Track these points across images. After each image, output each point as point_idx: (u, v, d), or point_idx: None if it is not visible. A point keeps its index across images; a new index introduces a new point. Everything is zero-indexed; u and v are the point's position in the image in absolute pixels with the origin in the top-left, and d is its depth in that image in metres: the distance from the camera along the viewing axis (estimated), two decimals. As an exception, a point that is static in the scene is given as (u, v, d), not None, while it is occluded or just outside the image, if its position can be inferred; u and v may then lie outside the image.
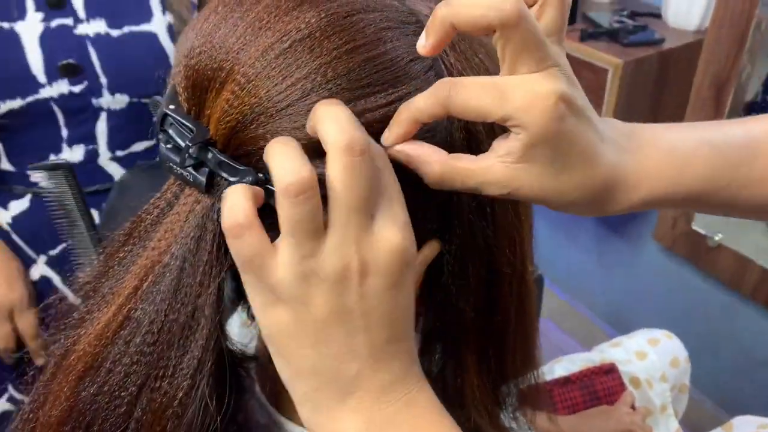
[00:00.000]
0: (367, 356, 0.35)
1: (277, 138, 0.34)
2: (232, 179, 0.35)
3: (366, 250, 0.33)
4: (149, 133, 0.95)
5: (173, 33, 0.93)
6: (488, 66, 0.41)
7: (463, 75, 0.39)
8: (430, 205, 0.40)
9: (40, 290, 0.94)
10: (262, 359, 0.48)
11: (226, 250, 0.36)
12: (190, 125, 0.36)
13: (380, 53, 0.36)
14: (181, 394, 0.37)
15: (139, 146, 0.96)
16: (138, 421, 0.38)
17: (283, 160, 0.32)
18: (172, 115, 0.37)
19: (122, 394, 0.38)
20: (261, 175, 0.35)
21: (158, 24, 0.91)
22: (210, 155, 0.35)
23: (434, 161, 0.36)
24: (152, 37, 0.90)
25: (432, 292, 0.41)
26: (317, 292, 0.33)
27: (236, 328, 0.59)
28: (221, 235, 0.36)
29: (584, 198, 0.38)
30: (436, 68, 0.39)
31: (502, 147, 0.36)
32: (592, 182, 0.37)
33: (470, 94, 0.34)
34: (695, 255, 1.44)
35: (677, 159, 0.40)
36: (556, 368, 1.12)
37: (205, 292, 0.36)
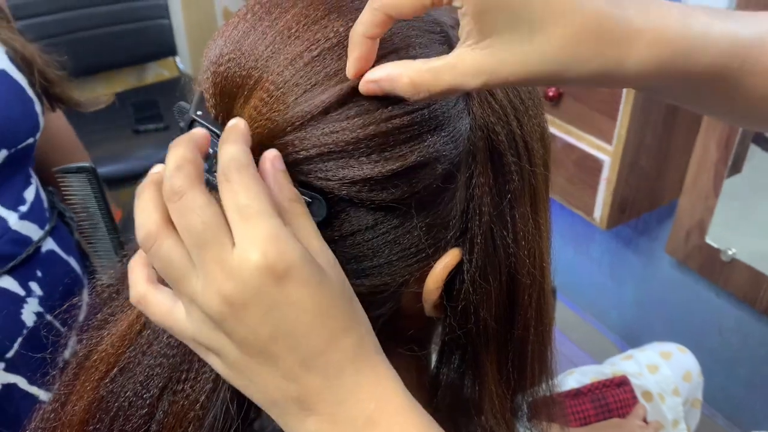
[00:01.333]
0: (302, 378, 0.34)
1: (138, 189, 0.36)
2: None
3: (232, 275, 0.32)
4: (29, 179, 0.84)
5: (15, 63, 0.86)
6: None
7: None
8: (450, 214, 0.40)
9: (6, 397, 0.85)
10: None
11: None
12: (217, 131, 0.36)
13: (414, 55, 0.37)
14: (203, 398, 0.38)
15: (29, 194, 0.85)
16: (160, 423, 0.38)
17: (137, 217, 0.34)
18: (200, 121, 0.37)
19: (144, 395, 0.38)
20: None
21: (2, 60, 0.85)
22: None
23: (402, 73, 0.35)
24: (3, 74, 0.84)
25: (453, 300, 0.42)
26: (219, 333, 0.34)
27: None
28: None
29: (576, 59, 0.34)
30: None
31: (461, 35, 0.34)
32: (578, 35, 0.33)
33: None
34: (709, 269, 1.44)
35: (690, 28, 0.36)
36: (568, 380, 1.12)
37: None
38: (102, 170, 1.81)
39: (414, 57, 0.37)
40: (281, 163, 0.35)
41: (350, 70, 0.35)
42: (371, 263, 0.38)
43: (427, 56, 0.37)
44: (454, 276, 0.41)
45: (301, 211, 0.35)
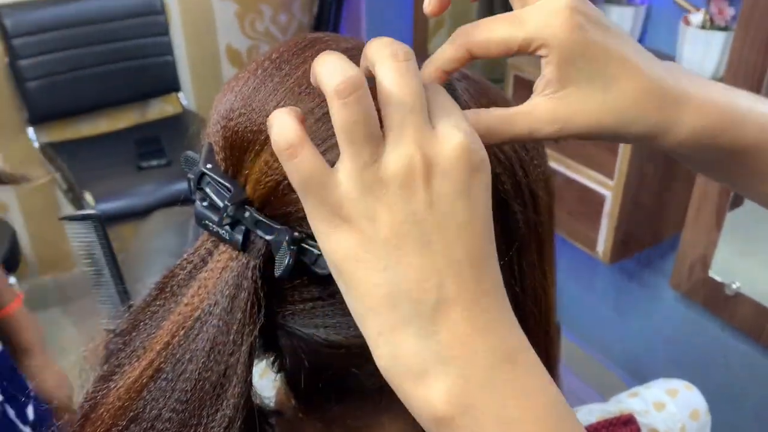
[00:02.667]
0: (450, 282, 0.30)
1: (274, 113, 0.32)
2: (268, 237, 0.36)
3: (428, 147, 0.30)
4: None
5: None
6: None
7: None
8: None
9: None
10: (286, 414, 0.48)
11: (260, 308, 0.36)
12: (227, 184, 0.37)
13: None
14: None
15: None
16: None
17: (329, 66, 0.30)
18: (210, 174, 0.37)
19: None
20: (297, 234, 0.35)
21: None
22: (247, 214, 0.36)
23: (478, 123, 0.35)
24: None
25: None
26: (382, 202, 0.30)
27: (256, 376, 0.58)
28: (256, 293, 0.36)
29: (643, 114, 0.36)
30: None
31: (540, 84, 0.35)
32: (646, 92, 0.36)
33: (489, 28, 0.35)
34: (713, 303, 1.43)
35: (734, 101, 0.39)
36: (574, 419, 1.10)
37: (238, 351, 0.36)
38: (104, 207, 1.82)
39: None
40: None
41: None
42: None
43: None
44: None
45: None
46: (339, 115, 0.30)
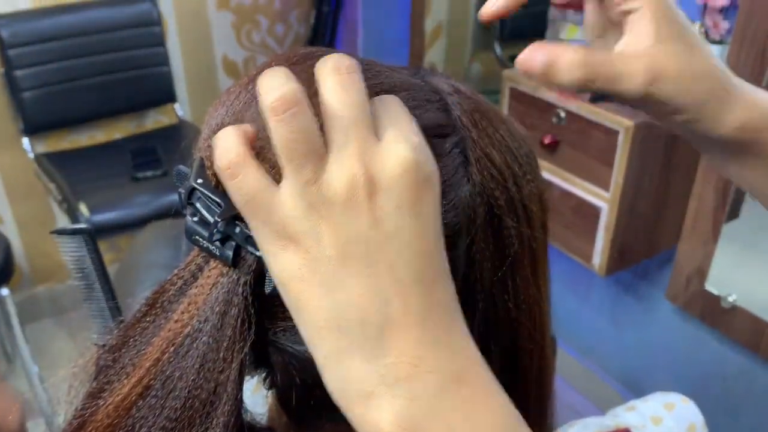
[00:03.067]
0: (396, 303, 0.29)
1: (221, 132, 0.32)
2: (258, 253, 0.35)
3: (371, 162, 0.29)
4: None
5: None
6: (509, 142, 0.42)
7: (487, 151, 0.40)
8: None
9: None
10: (278, 431, 0.47)
11: (251, 324, 0.36)
12: (217, 200, 0.36)
13: None
14: None
15: None
16: None
17: (267, 82, 0.30)
18: (200, 189, 0.37)
19: None
20: None
21: None
22: (237, 230, 0.35)
23: (570, 55, 0.35)
24: None
25: None
26: (327, 221, 0.29)
27: (248, 392, 0.58)
28: (246, 309, 0.36)
29: (712, 90, 0.37)
30: (460, 146, 0.39)
31: (633, 35, 0.37)
32: (710, 70, 0.37)
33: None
34: (709, 316, 1.43)
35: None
36: (571, 433, 1.10)
37: (228, 368, 0.36)
38: (100, 217, 1.82)
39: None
40: None
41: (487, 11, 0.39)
42: None
43: (427, 123, 0.37)
44: None
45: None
46: (275, 132, 0.29)
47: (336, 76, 0.30)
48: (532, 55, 0.36)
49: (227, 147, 0.31)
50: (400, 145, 0.30)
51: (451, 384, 0.30)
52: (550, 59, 0.35)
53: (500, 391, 0.31)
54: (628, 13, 0.37)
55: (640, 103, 0.39)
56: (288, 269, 0.30)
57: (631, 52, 0.36)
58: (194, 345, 0.37)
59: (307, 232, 0.30)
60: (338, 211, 0.29)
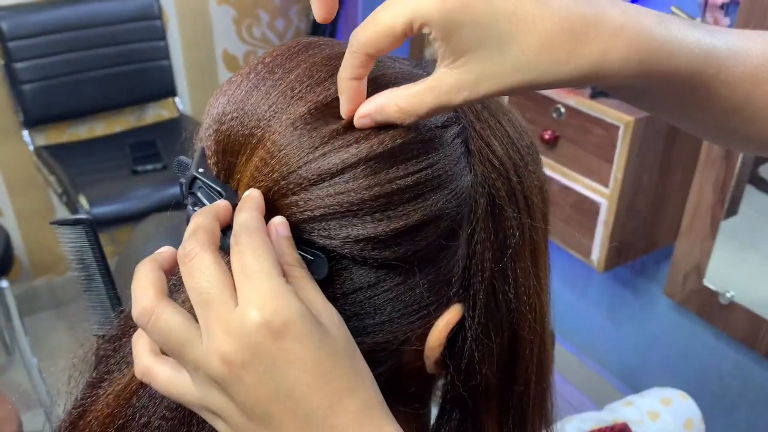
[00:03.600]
0: None
1: (136, 268, 0.36)
2: None
3: (233, 334, 0.32)
4: None
5: None
6: (511, 133, 0.42)
7: (489, 142, 0.40)
8: (452, 270, 0.40)
9: None
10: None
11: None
12: (219, 189, 0.36)
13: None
14: None
15: None
16: None
17: (134, 291, 0.35)
18: (201, 178, 0.37)
19: None
20: None
21: None
22: None
23: (388, 102, 0.36)
24: None
25: (455, 357, 0.41)
26: (224, 394, 0.33)
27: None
28: None
29: (555, 60, 0.34)
30: (462, 136, 0.39)
31: (438, 57, 0.35)
32: (550, 38, 0.33)
33: (372, 23, 0.34)
34: (707, 312, 1.43)
35: (668, 30, 0.36)
36: (568, 427, 1.10)
37: None
38: (100, 210, 1.81)
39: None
40: (286, 230, 0.35)
41: (343, 112, 0.36)
42: (373, 321, 0.38)
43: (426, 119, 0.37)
44: (456, 333, 0.41)
45: (303, 274, 0.35)
46: (151, 336, 0.34)
47: (182, 265, 0.34)
48: (363, 110, 0.36)
49: (138, 354, 0.36)
50: (246, 312, 0.32)
51: None
52: (375, 120, 0.36)
53: None
54: None
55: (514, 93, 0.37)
56: (214, 404, 0.34)
57: (437, 77, 0.35)
58: None
59: (216, 407, 0.34)
60: (227, 385, 0.32)
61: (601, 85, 0.37)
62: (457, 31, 0.33)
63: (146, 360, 0.35)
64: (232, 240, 0.34)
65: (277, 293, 0.32)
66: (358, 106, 0.36)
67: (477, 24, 0.33)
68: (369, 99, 0.36)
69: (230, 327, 0.32)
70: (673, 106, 0.42)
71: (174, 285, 0.39)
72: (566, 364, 1.95)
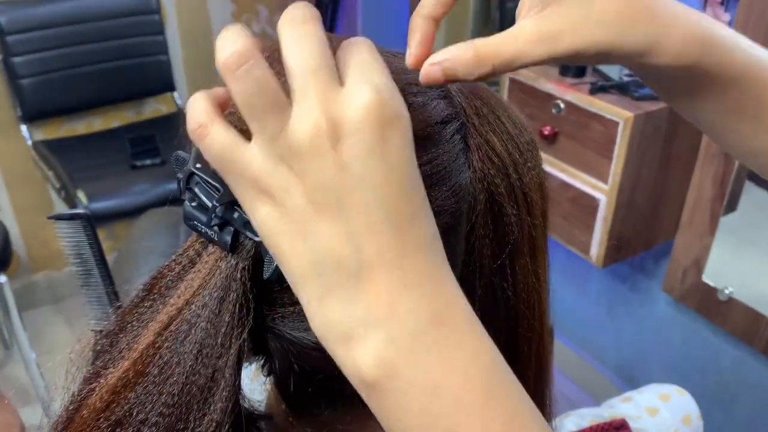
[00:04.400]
0: (369, 245, 0.29)
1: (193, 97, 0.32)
2: (257, 239, 0.35)
3: (333, 108, 0.29)
4: None
5: None
6: (510, 129, 0.42)
7: (488, 138, 0.40)
8: (451, 267, 0.40)
9: None
10: (276, 418, 0.47)
11: (249, 310, 0.36)
12: (216, 184, 0.36)
13: (411, 117, 0.36)
14: None
15: None
16: None
17: (220, 43, 0.29)
18: (199, 173, 0.37)
19: None
20: None
21: None
22: (236, 215, 0.35)
23: (465, 50, 0.34)
24: None
25: None
26: (295, 171, 0.29)
27: (246, 379, 0.58)
28: (245, 295, 0.35)
29: (631, 24, 0.35)
30: (462, 132, 0.39)
31: (522, 9, 0.35)
32: (630, 3, 0.35)
33: None
34: (706, 308, 1.43)
35: (722, 29, 0.39)
36: (566, 423, 1.10)
37: (226, 354, 0.36)
38: (98, 205, 1.81)
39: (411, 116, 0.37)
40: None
41: (411, 56, 0.35)
42: None
43: (425, 113, 0.37)
44: None
45: None
46: (233, 89, 0.29)
47: (291, 29, 0.30)
48: (436, 57, 0.35)
49: (195, 109, 0.31)
50: (362, 87, 0.29)
51: (428, 325, 0.30)
52: (445, 68, 0.35)
53: (480, 331, 0.32)
54: None
55: (561, 63, 0.38)
56: (267, 222, 0.31)
57: (520, 26, 0.35)
58: (192, 331, 0.37)
59: (278, 185, 0.30)
60: (305, 160, 0.29)
61: (656, 67, 0.37)
62: None
63: (205, 114, 0.31)
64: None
65: (392, 87, 0.30)
66: (428, 52, 0.35)
67: None
68: (441, 50, 0.35)
69: (338, 98, 0.29)
70: (717, 110, 0.42)
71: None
72: (565, 359, 1.95)
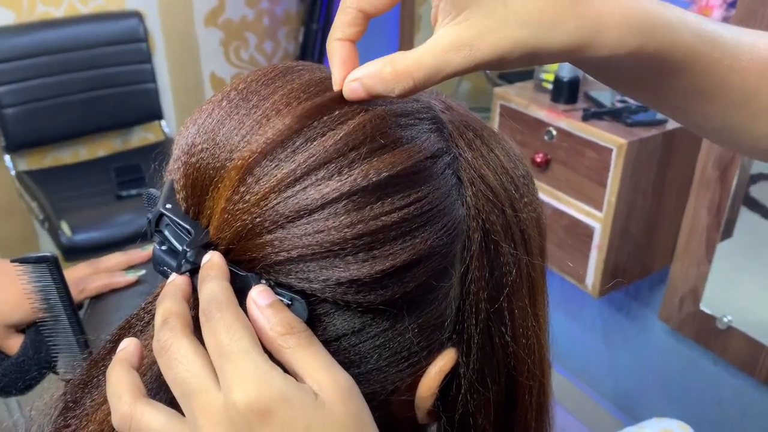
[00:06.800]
0: None
1: (107, 373, 0.33)
2: (232, 286, 0.32)
3: (214, 419, 0.30)
4: None
5: None
6: (505, 163, 0.39)
7: (482, 172, 0.37)
8: (444, 313, 0.37)
9: None
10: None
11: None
12: (187, 227, 0.33)
13: (399, 152, 0.34)
14: None
15: None
16: None
17: (110, 401, 0.32)
18: (169, 215, 0.34)
19: None
20: (264, 281, 0.32)
21: None
22: None
23: (383, 66, 0.33)
24: None
25: (448, 408, 0.38)
26: None
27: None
28: None
29: (557, 19, 0.32)
30: (453, 166, 0.36)
31: (439, 17, 0.33)
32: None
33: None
34: (704, 337, 1.40)
35: (667, 9, 0.36)
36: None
37: None
38: (83, 236, 1.77)
39: (399, 153, 0.34)
40: (268, 296, 0.32)
41: (334, 81, 0.34)
42: (358, 370, 0.35)
43: (414, 149, 0.34)
44: (449, 380, 0.37)
45: (299, 341, 0.32)
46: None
47: (160, 360, 0.32)
48: (354, 74, 0.34)
49: (115, 395, 0.32)
50: (233, 393, 0.30)
51: None
52: (364, 84, 0.33)
53: None
54: None
55: (488, 69, 0.35)
56: None
57: (436, 37, 0.33)
58: (163, 386, 0.34)
59: None
60: None
61: (596, 60, 0.35)
62: None
63: (130, 392, 0.33)
64: (202, 316, 0.31)
65: (258, 375, 0.30)
66: (349, 73, 0.33)
67: None
68: (361, 66, 0.34)
69: (216, 414, 0.30)
70: (673, 94, 0.40)
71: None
72: (560, 389, 1.91)
